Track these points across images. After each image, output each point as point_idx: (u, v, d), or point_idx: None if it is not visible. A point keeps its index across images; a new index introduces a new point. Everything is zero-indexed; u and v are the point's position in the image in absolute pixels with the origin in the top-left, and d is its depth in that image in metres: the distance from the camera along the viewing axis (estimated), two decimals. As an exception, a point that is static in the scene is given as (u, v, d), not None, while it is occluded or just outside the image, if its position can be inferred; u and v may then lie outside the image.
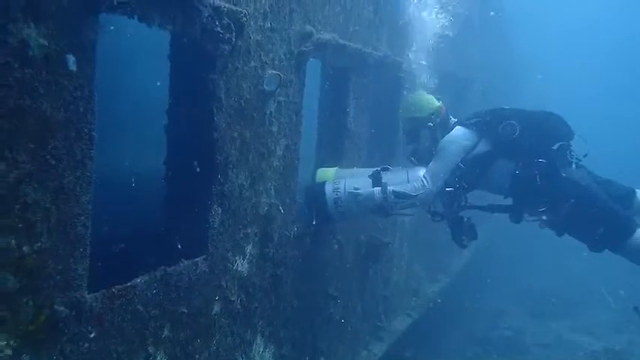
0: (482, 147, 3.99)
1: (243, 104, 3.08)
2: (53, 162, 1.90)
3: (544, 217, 3.88)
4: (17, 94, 1.75)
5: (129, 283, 2.37)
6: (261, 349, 3.58)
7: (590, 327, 9.79)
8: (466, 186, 4.05)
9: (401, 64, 5.47)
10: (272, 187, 3.54)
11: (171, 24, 2.36)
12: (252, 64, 3.11)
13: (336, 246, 4.62)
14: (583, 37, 25.98)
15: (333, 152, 4.75)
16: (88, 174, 2.06)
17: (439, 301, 7.19)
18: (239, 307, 3.27)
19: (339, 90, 4.70)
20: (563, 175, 3.81)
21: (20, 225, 1.81)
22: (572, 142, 3.98)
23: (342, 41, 4.07)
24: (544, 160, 3.82)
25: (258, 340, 3.54)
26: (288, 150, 3.70)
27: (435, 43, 5.65)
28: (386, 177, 4.03)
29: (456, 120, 4.28)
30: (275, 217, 3.60)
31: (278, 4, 3.26)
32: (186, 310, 2.74)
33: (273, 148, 3.50)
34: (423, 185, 3.94)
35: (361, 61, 4.66)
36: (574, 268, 12.45)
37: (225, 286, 3.11)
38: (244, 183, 3.22)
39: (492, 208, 4.13)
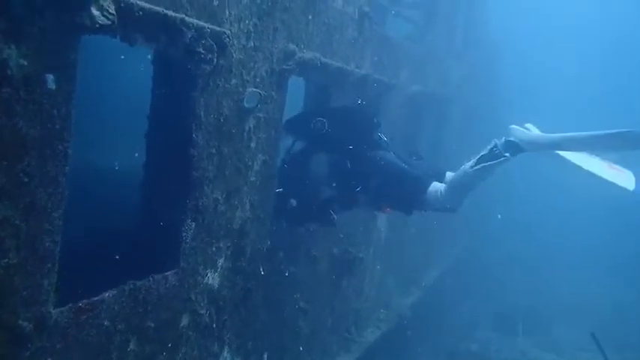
0: (299, 145, 4.32)
1: (222, 121, 3.11)
2: (26, 179, 1.91)
3: (362, 197, 4.23)
4: (-7, 112, 1.76)
5: (96, 298, 2.38)
6: (228, 362, 3.61)
7: (555, 344, 10.03)
8: (293, 185, 4.23)
9: (383, 81, 5.56)
10: (247, 201, 3.58)
11: (155, 43, 2.39)
12: (234, 81, 3.14)
13: (308, 260, 4.67)
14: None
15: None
16: (61, 190, 2.07)
17: (409, 314, 7.29)
18: (207, 320, 3.29)
19: (321, 106, 4.76)
20: (369, 155, 4.21)
21: (-12, 241, 1.82)
22: (379, 130, 4.36)
23: (324, 59, 4.12)
24: (352, 147, 4.20)
25: (225, 353, 3.56)
26: (266, 165, 3.74)
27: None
28: None
29: None
30: (249, 232, 3.64)
31: (262, 23, 3.30)
32: (153, 324, 2.75)
33: (250, 163, 3.53)
34: None
35: (343, 79, 4.72)
36: (549, 285, 12.73)
37: (194, 299, 3.13)
38: (219, 197, 3.24)
39: (324, 201, 4.35)
